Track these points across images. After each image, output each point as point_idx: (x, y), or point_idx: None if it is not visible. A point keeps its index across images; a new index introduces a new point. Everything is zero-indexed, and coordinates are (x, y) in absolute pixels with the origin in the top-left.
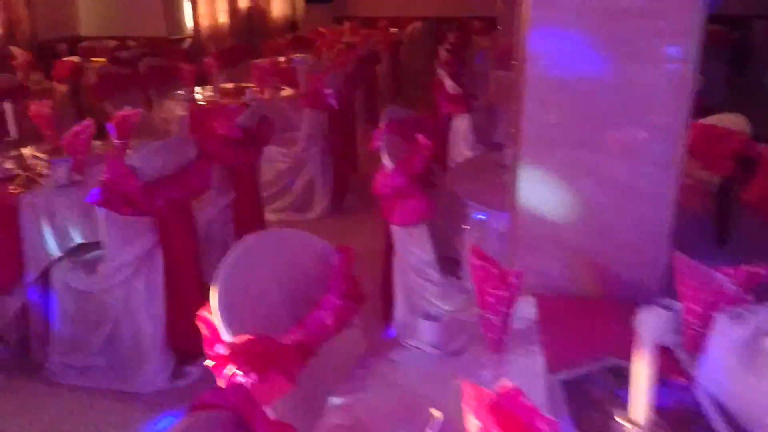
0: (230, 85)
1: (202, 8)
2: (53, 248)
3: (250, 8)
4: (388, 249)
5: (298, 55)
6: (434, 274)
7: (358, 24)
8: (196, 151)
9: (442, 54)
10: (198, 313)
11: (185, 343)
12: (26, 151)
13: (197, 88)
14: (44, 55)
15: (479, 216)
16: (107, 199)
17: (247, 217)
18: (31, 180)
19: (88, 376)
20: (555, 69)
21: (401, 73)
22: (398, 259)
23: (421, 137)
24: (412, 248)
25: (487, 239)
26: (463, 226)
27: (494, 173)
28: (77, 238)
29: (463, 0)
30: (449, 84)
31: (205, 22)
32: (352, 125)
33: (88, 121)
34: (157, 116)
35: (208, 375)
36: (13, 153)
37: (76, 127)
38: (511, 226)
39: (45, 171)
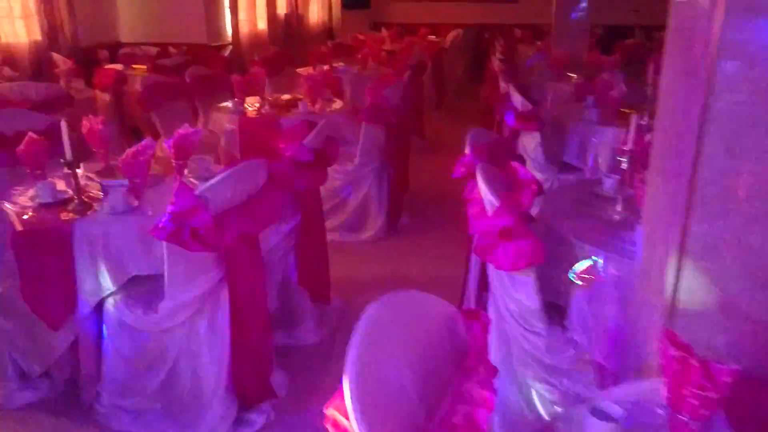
0: (285, 97)
1: (242, 14)
2: (107, 281)
3: (288, 14)
4: (465, 282)
5: (341, 63)
6: (540, 325)
7: (397, 31)
8: (265, 177)
9: (496, 63)
10: (326, 412)
11: (249, 387)
12: (79, 171)
13: (248, 99)
14: (85, 62)
15: (593, 260)
16: (175, 233)
17: (311, 244)
18: (85, 205)
19: (142, 421)
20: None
21: (443, 81)
22: (494, 302)
23: (520, 168)
24: (516, 295)
25: (602, 288)
26: (571, 271)
27: (597, 207)
28: (133, 270)
29: (505, 7)
30: (518, 99)
31: (244, 29)
32: (406, 140)
33: (148, 141)
34: (205, 129)
35: (273, 423)
36: (66, 171)
37: (134, 148)
38: (644, 283)
39: (99, 194)
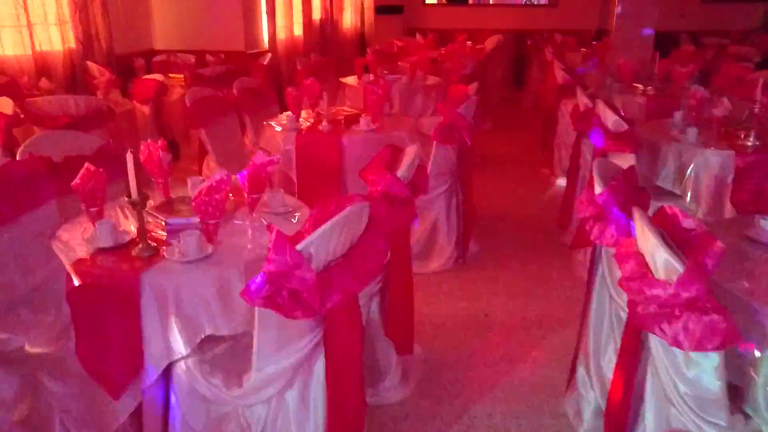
0: (342, 111)
1: (279, 20)
2: (179, 343)
3: (322, 20)
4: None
5: (385, 72)
6: (720, 414)
7: (434, 38)
8: (367, 221)
9: (560, 74)
10: None
11: None
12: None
13: (303, 113)
14: (120, 71)
15: None
16: (272, 297)
17: (399, 289)
18: (151, 250)
19: None
20: None
21: (486, 91)
22: (655, 380)
23: (678, 213)
24: (690, 376)
25: None
26: (756, 348)
27: (763, 259)
28: (209, 329)
29: (544, 12)
30: (611, 118)
31: (281, 35)
32: (473, 159)
33: (223, 176)
34: (256, 147)
35: None
36: (126, 205)
37: (208, 184)
38: None
39: (162, 234)
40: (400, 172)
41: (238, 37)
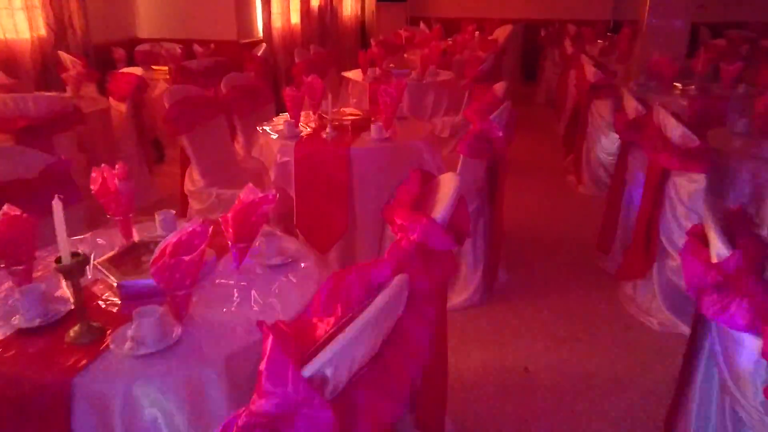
0: (347, 114)
1: (275, 7)
2: None
3: (321, 7)
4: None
5: (391, 65)
6: None
7: (441, 28)
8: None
9: (591, 71)
10: None
11: None
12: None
13: (303, 115)
14: (98, 62)
15: None
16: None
17: (434, 366)
18: (94, 332)
19: None
20: None
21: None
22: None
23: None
24: None
25: None
26: None
27: None
28: None
29: (558, 0)
30: (677, 130)
31: (277, 24)
32: (504, 174)
33: (196, 226)
34: (248, 155)
35: None
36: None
37: (176, 238)
38: None
39: (116, 301)
40: (440, 213)
41: (230, 24)
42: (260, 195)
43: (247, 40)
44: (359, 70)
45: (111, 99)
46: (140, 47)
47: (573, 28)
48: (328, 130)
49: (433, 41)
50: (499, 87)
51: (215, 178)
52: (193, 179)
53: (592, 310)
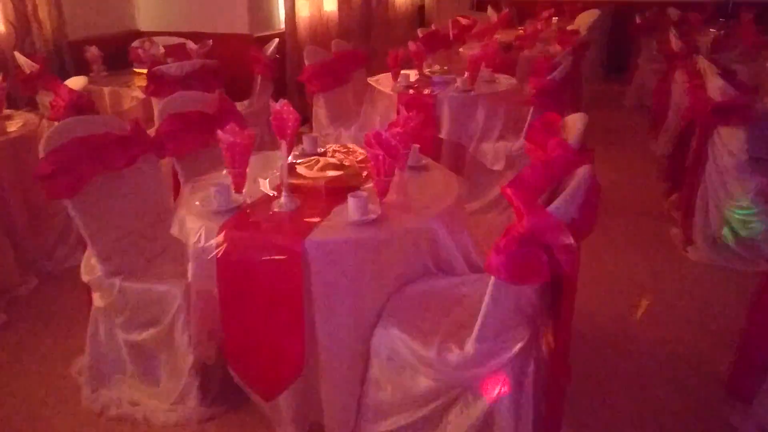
0: (341, 156)
1: None
2: None
3: None
4: None
5: (435, 68)
6: None
7: (511, 13)
8: None
9: (716, 86)
10: None
11: None
12: None
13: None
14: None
15: None
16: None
17: None
18: None
19: None
20: None
21: (580, 86)
22: None
23: None
24: None
25: None
26: None
27: None
28: None
29: None
30: None
31: (303, 12)
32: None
33: None
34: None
35: None
36: None
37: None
38: None
39: None
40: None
41: (241, 14)
42: None
43: (263, 33)
44: (390, 74)
45: (45, 120)
46: (135, 43)
47: (675, 12)
48: (282, 199)
49: (494, 32)
50: (575, 123)
51: (120, 262)
52: (90, 264)
53: None
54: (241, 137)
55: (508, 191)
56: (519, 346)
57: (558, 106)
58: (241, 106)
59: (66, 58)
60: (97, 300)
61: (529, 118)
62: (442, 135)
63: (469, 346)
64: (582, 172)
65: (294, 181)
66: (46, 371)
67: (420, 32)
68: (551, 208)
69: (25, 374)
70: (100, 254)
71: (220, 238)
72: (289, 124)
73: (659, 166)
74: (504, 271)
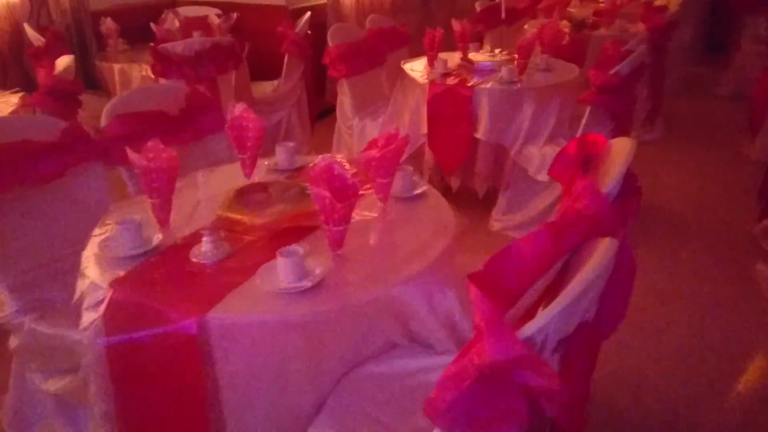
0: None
1: None
2: None
3: None
4: None
5: (484, 51)
6: None
7: None
8: None
9: None
10: None
11: None
12: None
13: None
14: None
15: None
16: None
17: None
18: None
19: None
20: None
21: (663, 73)
22: None
23: None
24: None
25: None
26: None
27: None
28: None
29: None
30: None
31: None
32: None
33: None
34: None
35: None
36: None
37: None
38: None
39: None
40: None
41: None
42: None
43: (302, 5)
44: (426, 58)
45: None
46: (165, 15)
47: None
48: (203, 245)
49: (567, 5)
50: (620, 152)
51: (31, 299)
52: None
53: None
54: (159, 161)
55: (471, 293)
56: None
57: (623, 107)
58: (269, 86)
59: (86, 30)
60: (12, 339)
61: (584, 120)
62: (479, 135)
63: None
64: (603, 250)
65: (232, 215)
66: None
67: (478, 5)
68: (537, 322)
69: None
70: (10, 287)
71: (105, 300)
72: (250, 134)
73: (753, 176)
74: (443, 422)
